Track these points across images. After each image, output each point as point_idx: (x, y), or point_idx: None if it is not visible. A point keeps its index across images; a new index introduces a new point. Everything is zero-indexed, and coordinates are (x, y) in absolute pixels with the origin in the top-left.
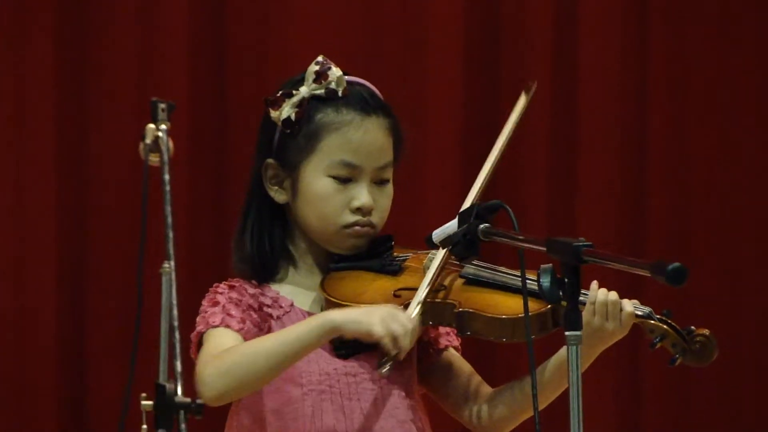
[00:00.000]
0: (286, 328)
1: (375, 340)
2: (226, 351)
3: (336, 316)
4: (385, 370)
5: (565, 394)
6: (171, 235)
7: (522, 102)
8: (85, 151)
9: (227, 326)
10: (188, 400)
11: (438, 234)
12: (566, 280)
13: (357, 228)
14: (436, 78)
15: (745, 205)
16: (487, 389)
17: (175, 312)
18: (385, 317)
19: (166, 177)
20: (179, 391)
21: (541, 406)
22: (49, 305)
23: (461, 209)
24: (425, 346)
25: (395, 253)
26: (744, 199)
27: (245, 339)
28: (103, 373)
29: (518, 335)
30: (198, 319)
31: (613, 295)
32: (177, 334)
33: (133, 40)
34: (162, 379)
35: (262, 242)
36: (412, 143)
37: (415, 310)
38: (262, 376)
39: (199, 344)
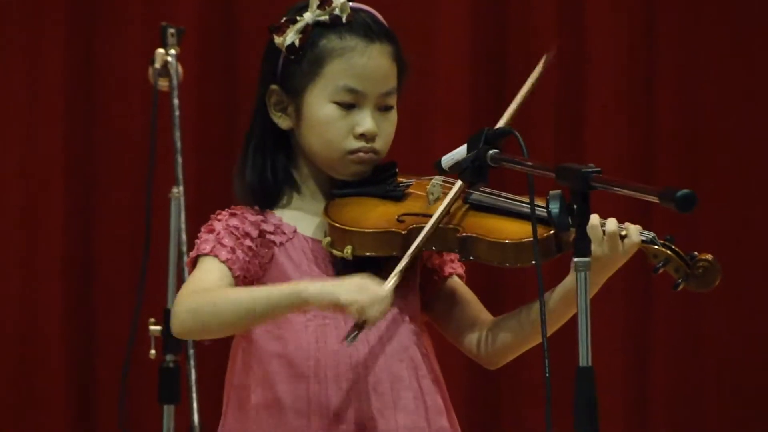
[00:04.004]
0: (263, 287)
1: (342, 310)
2: (203, 291)
3: (308, 288)
4: (349, 339)
5: (573, 322)
6: (180, 160)
7: (539, 69)
8: (95, 76)
9: (216, 255)
10: None
11: (447, 159)
12: (575, 206)
13: (360, 154)
14: (445, 12)
15: (755, 135)
16: (490, 317)
17: (184, 237)
18: (352, 287)
19: (176, 102)
20: None
21: (547, 335)
22: (57, 229)
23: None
24: (429, 274)
25: (399, 180)
26: (755, 128)
27: (232, 269)
28: (111, 298)
29: (522, 260)
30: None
31: (612, 224)
32: (185, 259)
33: None
34: (171, 304)
35: (265, 168)
36: (419, 70)
37: (392, 281)
38: (226, 327)
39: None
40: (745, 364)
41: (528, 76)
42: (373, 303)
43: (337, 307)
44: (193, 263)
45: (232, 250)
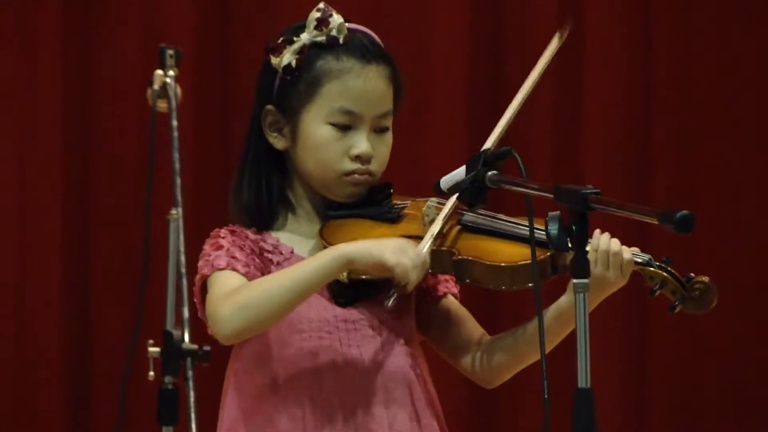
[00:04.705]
0: (297, 264)
1: (386, 271)
2: (238, 288)
3: (348, 248)
4: (391, 302)
5: (572, 342)
6: (178, 181)
7: (554, 45)
8: (93, 98)
9: (233, 269)
10: (195, 346)
11: (446, 181)
12: (573, 227)
13: (356, 176)
14: (442, 25)
15: (753, 154)
16: (485, 336)
17: (183, 258)
18: (396, 248)
19: (174, 123)
20: (186, 337)
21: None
22: (54, 252)
23: (482, 149)
24: (424, 294)
25: (394, 201)
26: (753, 148)
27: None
28: (110, 319)
29: (517, 282)
30: (201, 263)
31: (615, 244)
32: (184, 281)
33: None
34: (169, 325)
35: (260, 189)
36: (417, 90)
37: (426, 244)
38: (278, 311)
39: (203, 288)
40: (744, 379)
41: (526, 101)
42: (416, 266)
43: (383, 267)
44: (203, 282)
45: (247, 264)
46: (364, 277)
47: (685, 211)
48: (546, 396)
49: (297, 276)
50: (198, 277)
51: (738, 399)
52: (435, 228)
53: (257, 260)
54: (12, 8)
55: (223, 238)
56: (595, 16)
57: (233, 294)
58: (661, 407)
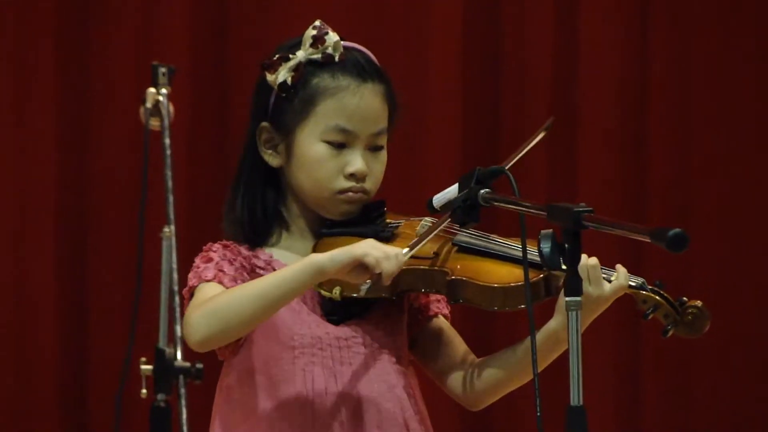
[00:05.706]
0: (270, 274)
1: (357, 267)
2: (214, 296)
3: (318, 257)
4: (364, 287)
5: (563, 359)
6: (171, 199)
7: (539, 136)
8: (86, 115)
9: (219, 282)
10: (188, 364)
11: (438, 199)
12: (566, 245)
13: (350, 194)
14: (437, 43)
15: (747, 173)
16: (474, 358)
17: (176, 276)
18: (365, 245)
19: (167, 141)
20: (179, 355)
21: (529, 377)
22: (49, 270)
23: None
24: (415, 313)
25: (388, 219)
26: (746, 167)
27: None
28: (103, 337)
29: (509, 303)
30: (190, 275)
31: (593, 260)
32: (177, 299)
33: (134, 4)
34: (162, 343)
35: (254, 206)
36: (412, 109)
37: (406, 250)
38: (248, 319)
39: (191, 299)
40: (738, 398)
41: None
42: (388, 257)
43: (354, 261)
44: (191, 293)
45: (234, 279)
46: (355, 295)
47: (677, 230)
48: (539, 413)
49: (268, 285)
50: (186, 288)
51: (732, 418)
52: (421, 241)
53: (246, 276)
54: (6, 25)
55: (215, 252)
56: (591, 19)
57: (208, 301)
58: (653, 398)
